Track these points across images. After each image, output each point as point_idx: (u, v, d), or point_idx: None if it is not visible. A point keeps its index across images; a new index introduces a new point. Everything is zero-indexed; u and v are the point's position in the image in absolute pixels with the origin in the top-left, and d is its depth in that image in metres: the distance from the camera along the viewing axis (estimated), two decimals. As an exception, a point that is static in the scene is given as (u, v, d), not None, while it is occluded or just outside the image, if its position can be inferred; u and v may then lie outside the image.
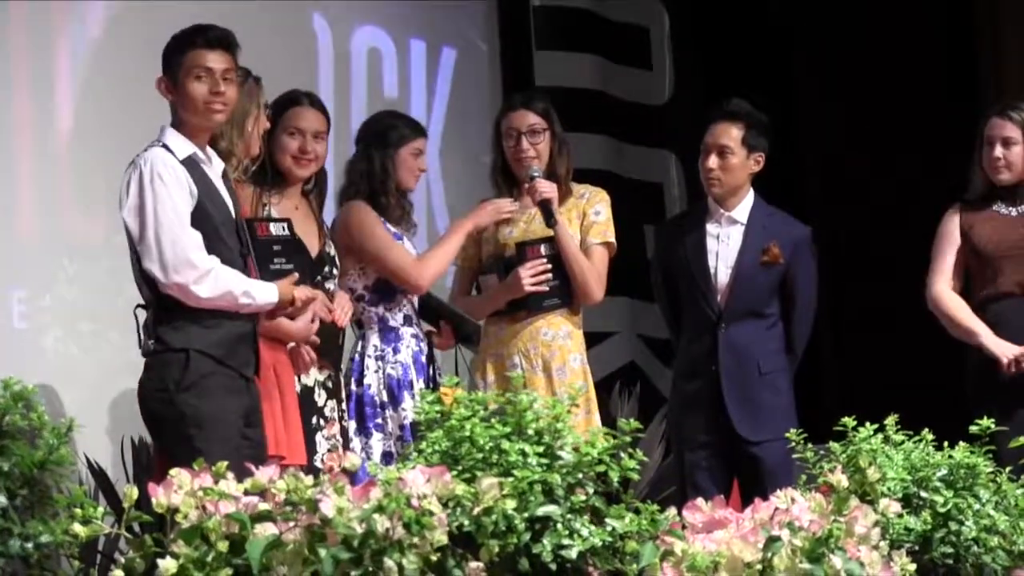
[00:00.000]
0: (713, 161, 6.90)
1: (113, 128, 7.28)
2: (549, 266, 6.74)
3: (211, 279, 5.57)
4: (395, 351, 6.63)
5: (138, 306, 5.67)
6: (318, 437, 6.34)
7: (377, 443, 6.52)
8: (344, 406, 6.48)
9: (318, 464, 6.06)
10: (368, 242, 6.60)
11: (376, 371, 6.60)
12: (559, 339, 6.82)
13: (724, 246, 6.91)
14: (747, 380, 6.83)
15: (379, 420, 6.56)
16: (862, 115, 9.43)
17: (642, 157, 9.58)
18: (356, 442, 6.50)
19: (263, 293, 5.68)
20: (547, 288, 6.75)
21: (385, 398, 6.57)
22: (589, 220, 6.89)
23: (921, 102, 9.30)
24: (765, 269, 6.87)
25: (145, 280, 5.62)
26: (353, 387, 6.59)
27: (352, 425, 6.53)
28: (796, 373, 7.01)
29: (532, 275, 6.72)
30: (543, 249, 6.75)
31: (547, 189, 6.70)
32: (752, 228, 6.92)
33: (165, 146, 5.64)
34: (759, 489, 6.47)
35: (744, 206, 6.96)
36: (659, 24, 9.71)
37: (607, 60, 9.49)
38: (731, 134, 6.90)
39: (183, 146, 5.66)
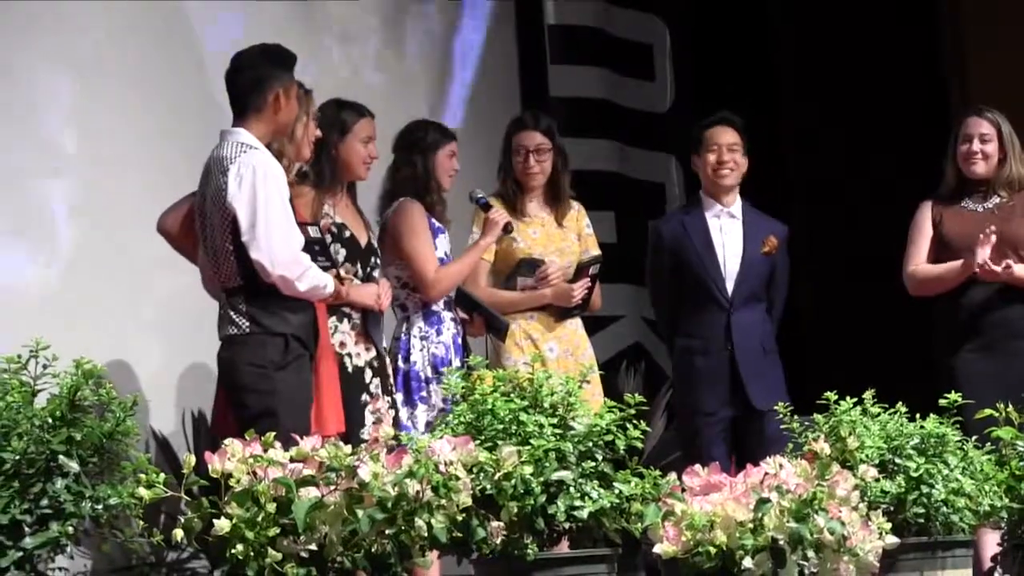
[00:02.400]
0: (727, 155, 6.93)
1: (182, 128, 7.29)
2: (590, 285, 6.87)
3: (309, 275, 5.62)
4: (438, 332, 6.66)
5: (225, 290, 5.65)
6: (366, 412, 6.35)
7: (422, 414, 6.54)
8: (391, 381, 6.49)
9: (364, 436, 6.07)
10: (409, 240, 6.62)
11: (421, 350, 6.62)
12: (579, 331, 6.98)
13: (728, 237, 6.95)
14: (756, 357, 6.84)
15: (423, 393, 6.57)
16: (840, 122, 9.42)
17: (646, 159, 9.55)
18: (403, 412, 6.51)
19: (331, 287, 5.74)
20: (582, 301, 6.90)
21: (429, 373, 6.60)
22: (585, 234, 7.08)
23: (894, 111, 9.28)
24: (764, 258, 6.90)
25: (241, 267, 5.60)
26: (400, 364, 6.60)
27: (400, 397, 6.54)
28: (783, 354, 7.01)
29: (581, 291, 6.87)
30: (591, 270, 6.92)
31: (503, 216, 6.77)
32: (748, 222, 6.98)
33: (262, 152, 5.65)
34: (762, 453, 6.49)
35: (738, 203, 7.02)
36: (661, 41, 9.69)
37: (614, 73, 9.46)
38: (736, 136, 6.98)
39: None
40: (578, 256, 6.99)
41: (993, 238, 6.68)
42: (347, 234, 6.36)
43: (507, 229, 6.77)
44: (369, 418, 6.32)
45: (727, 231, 6.96)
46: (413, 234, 6.63)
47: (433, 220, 6.73)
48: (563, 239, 6.96)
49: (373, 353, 6.40)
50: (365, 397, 6.34)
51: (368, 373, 6.36)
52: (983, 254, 6.65)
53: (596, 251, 7.03)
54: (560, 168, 6.98)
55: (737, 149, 6.96)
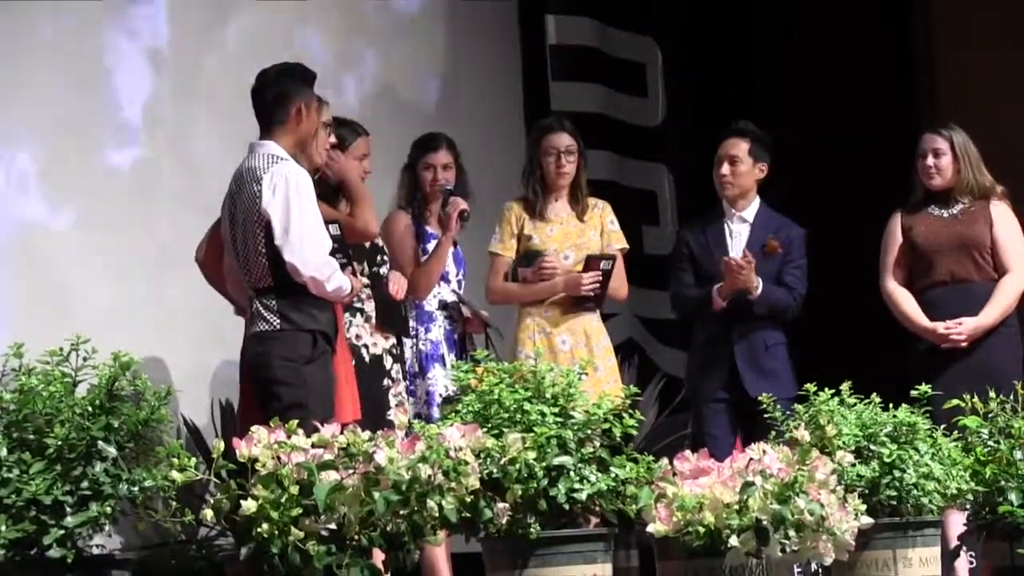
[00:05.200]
0: (726, 168, 6.93)
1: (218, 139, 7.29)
2: (601, 279, 6.76)
3: (336, 276, 5.61)
4: (426, 330, 6.64)
5: (256, 289, 5.63)
6: (389, 396, 6.35)
7: (410, 406, 6.52)
8: (406, 368, 6.51)
9: (391, 418, 6.09)
10: (390, 248, 6.61)
11: (411, 347, 6.61)
12: (594, 323, 6.85)
13: (737, 240, 6.93)
14: (756, 351, 6.81)
15: (412, 387, 6.56)
16: (817, 137, 9.40)
17: (639, 169, 9.53)
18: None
19: (348, 286, 5.71)
20: (592, 294, 6.78)
21: (416, 369, 6.58)
22: (608, 230, 6.95)
23: (872, 125, 9.26)
24: (766, 259, 6.86)
25: (273, 268, 5.58)
26: None
27: None
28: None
29: (590, 282, 6.74)
30: (602, 264, 6.80)
31: (455, 208, 6.65)
32: (757, 226, 6.94)
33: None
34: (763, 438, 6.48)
35: (752, 208, 6.98)
36: (653, 60, 9.66)
37: (610, 89, 9.44)
38: (740, 147, 6.93)
39: None
40: (599, 251, 6.89)
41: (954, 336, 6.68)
42: None
43: (462, 216, 6.64)
44: (392, 401, 6.34)
45: (737, 235, 6.94)
46: (391, 242, 6.64)
47: (427, 227, 6.72)
48: (580, 235, 6.87)
49: (392, 341, 6.42)
50: (387, 382, 6.36)
51: (388, 360, 6.38)
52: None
53: (620, 244, 6.93)
54: (581, 169, 6.93)
55: (739, 161, 6.91)
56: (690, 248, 6.99)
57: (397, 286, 6.45)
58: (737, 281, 6.74)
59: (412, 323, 6.64)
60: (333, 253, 5.79)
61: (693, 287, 6.95)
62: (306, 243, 5.55)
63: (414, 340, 6.62)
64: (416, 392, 6.56)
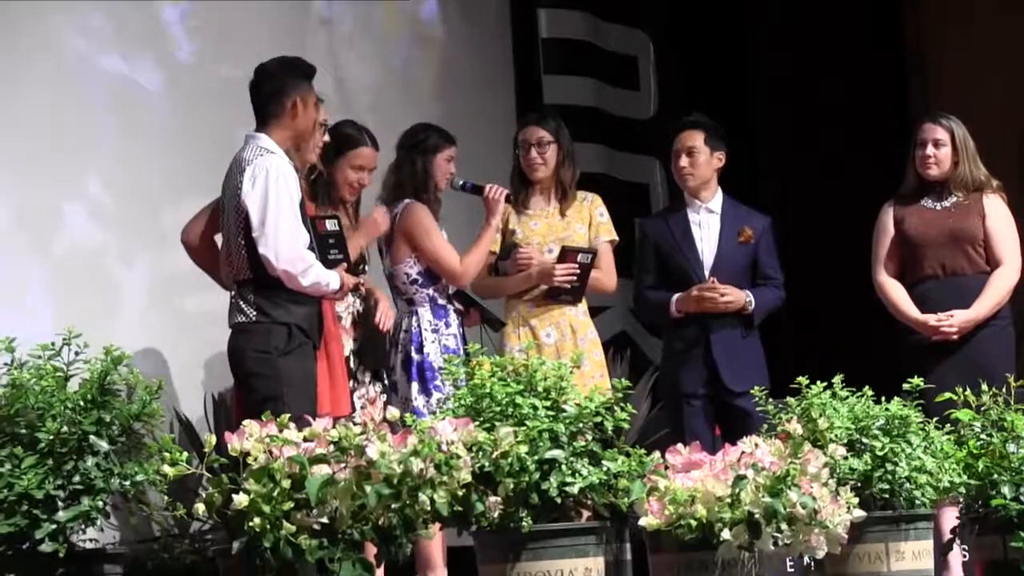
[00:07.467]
0: (684, 160, 6.95)
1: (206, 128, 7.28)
2: (579, 271, 6.74)
3: (312, 271, 5.60)
4: (447, 324, 6.62)
5: (236, 281, 5.62)
6: (355, 397, 6.33)
7: (437, 402, 6.49)
8: (382, 369, 6.49)
9: (356, 418, 6.07)
10: (426, 242, 6.57)
11: (433, 342, 6.56)
12: (580, 315, 6.84)
13: (706, 231, 6.94)
14: (732, 342, 6.81)
15: (438, 382, 6.53)
16: (808, 130, 9.42)
17: (631, 162, 9.54)
18: (420, 400, 6.45)
19: (334, 282, 5.70)
20: (568, 286, 6.76)
21: (442, 363, 6.55)
22: (596, 221, 6.95)
23: (859, 117, 9.28)
24: (741, 248, 6.89)
25: (251, 260, 5.58)
26: (413, 355, 6.54)
27: (416, 387, 6.50)
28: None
29: (564, 273, 6.72)
30: (579, 257, 6.77)
31: (499, 191, 6.68)
32: (726, 216, 6.96)
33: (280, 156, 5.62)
34: (743, 431, 6.45)
35: (717, 199, 7.00)
36: (645, 54, 9.67)
37: (602, 83, 9.45)
38: (696, 138, 6.96)
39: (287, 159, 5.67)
40: (586, 245, 6.87)
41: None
42: None
43: (508, 199, 6.68)
44: (358, 403, 6.31)
45: (706, 225, 6.95)
46: (428, 235, 6.59)
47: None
48: (565, 228, 6.86)
49: (359, 341, 6.40)
50: (352, 383, 6.32)
51: (354, 361, 6.36)
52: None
53: (609, 236, 6.93)
54: (562, 162, 6.90)
55: (697, 152, 6.92)
56: (654, 243, 6.99)
57: (384, 317, 6.41)
58: (704, 306, 6.76)
59: (430, 317, 6.61)
60: (329, 249, 5.78)
61: (654, 289, 6.96)
62: (280, 236, 5.54)
63: (436, 335, 6.59)
64: (443, 387, 6.51)
